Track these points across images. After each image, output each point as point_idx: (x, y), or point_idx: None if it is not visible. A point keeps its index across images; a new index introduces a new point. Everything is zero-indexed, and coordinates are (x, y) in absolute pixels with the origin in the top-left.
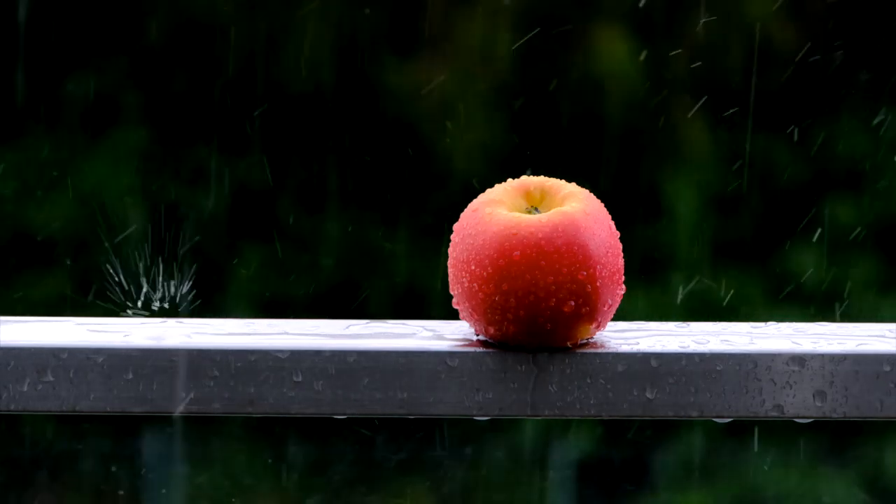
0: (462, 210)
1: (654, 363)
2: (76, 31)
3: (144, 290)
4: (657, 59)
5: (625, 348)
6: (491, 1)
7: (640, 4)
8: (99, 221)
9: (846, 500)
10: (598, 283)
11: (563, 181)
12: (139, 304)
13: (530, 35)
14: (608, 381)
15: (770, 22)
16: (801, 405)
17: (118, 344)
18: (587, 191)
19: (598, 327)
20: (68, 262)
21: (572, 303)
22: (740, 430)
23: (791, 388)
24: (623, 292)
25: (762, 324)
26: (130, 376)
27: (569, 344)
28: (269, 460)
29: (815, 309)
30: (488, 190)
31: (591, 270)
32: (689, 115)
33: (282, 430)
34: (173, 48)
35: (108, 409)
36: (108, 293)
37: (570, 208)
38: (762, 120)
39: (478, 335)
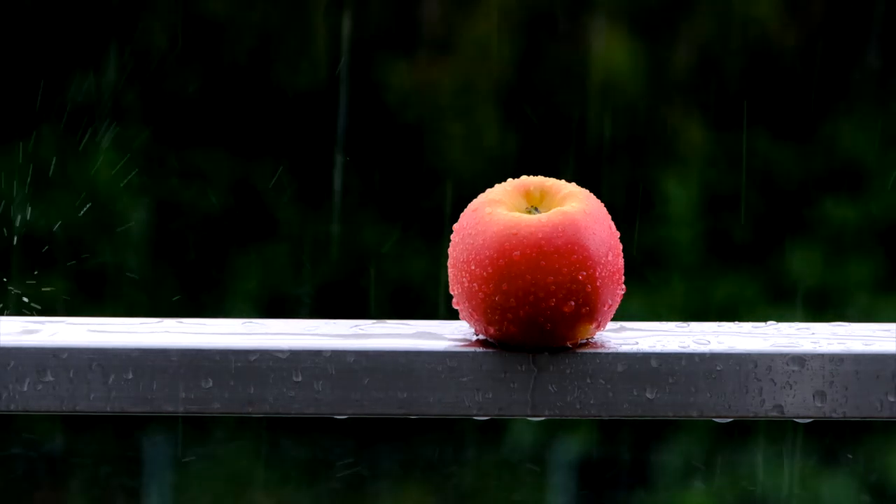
0: (462, 210)
1: (654, 363)
2: (77, 30)
3: (144, 289)
4: (657, 58)
5: (625, 348)
6: (491, 1)
7: (640, 4)
8: (99, 221)
9: (846, 500)
10: (598, 284)
11: (562, 181)
12: (138, 303)
13: (531, 35)
14: (608, 381)
15: (770, 22)
16: (801, 405)
17: (118, 344)
18: (587, 191)
19: (598, 327)
20: (68, 262)
21: (572, 303)
22: (740, 429)
23: (791, 388)
24: (623, 292)
25: (762, 324)
26: (130, 376)
27: (569, 344)
28: (268, 460)
29: (814, 309)
30: (488, 190)
31: (591, 270)
32: (689, 115)
33: (282, 430)
34: (174, 47)
35: (108, 409)
36: (108, 293)
37: (570, 208)
38: (761, 120)
39: (478, 335)
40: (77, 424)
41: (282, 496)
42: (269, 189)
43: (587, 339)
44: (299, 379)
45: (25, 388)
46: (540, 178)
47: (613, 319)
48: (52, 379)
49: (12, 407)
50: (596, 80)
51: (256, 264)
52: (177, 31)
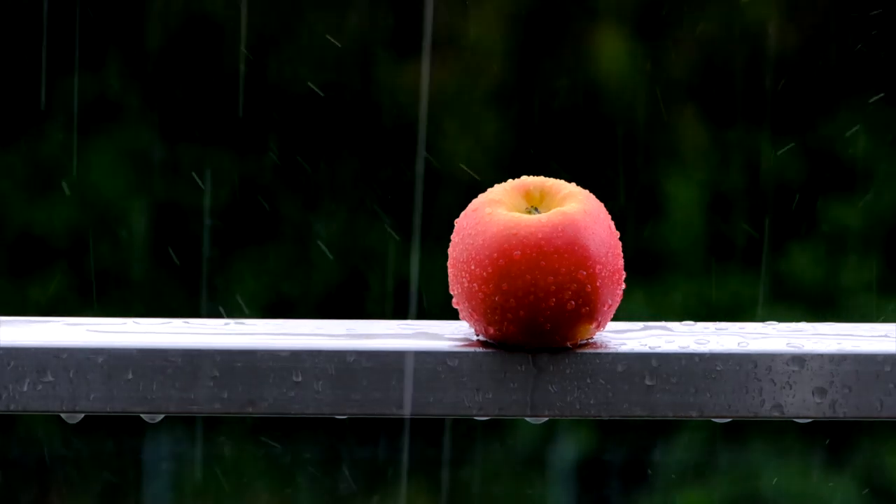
0: (462, 210)
1: (654, 363)
2: (77, 30)
3: (145, 289)
4: (657, 58)
5: (625, 348)
6: (491, 1)
7: (640, 4)
8: (99, 221)
9: (846, 500)
10: (598, 283)
11: (562, 181)
12: (139, 303)
13: (530, 35)
14: (608, 381)
15: (770, 21)
16: (801, 405)
17: (118, 344)
18: (587, 191)
19: (598, 327)
20: (68, 262)
21: (572, 303)
22: (740, 430)
23: (791, 388)
24: (623, 292)
25: (762, 324)
26: (130, 376)
27: (569, 344)
28: (268, 460)
29: (814, 309)
30: (488, 190)
31: (591, 270)
32: (689, 115)
33: (282, 430)
34: (173, 47)
35: (108, 409)
36: (108, 293)
37: (570, 208)
38: (762, 120)
39: (478, 335)
40: (77, 424)
41: (282, 496)
42: (270, 189)
43: (587, 339)
44: (299, 379)
45: (25, 388)
46: (540, 178)
47: (613, 319)
48: (52, 379)
49: (12, 407)
50: (596, 80)
51: (257, 264)
52: (177, 30)
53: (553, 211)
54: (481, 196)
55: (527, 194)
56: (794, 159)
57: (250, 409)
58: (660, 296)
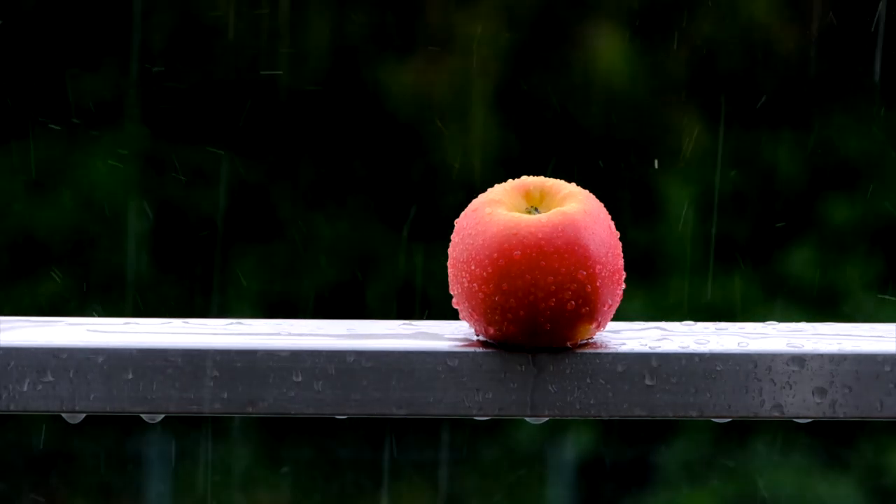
0: (462, 210)
1: (654, 363)
2: (77, 31)
3: (144, 289)
4: (656, 58)
5: (625, 348)
6: (490, 1)
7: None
8: (99, 221)
9: (846, 500)
10: (598, 283)
11: (562, 181)
12: (139, 303)
13: (530, 35)
14: (608, 381)
15: (770, 21)
16: (801, 405)
17: (118, 344)
18: (587, 191)
19: (598, 327)
20: (69, 263)
21: (572, 303)
22: (740, 430)
23: (791, 388)
24: (623, 292)
25: (762, 324)
26: (130, 376)
27: (569, 344)
28: (268, 460)
29: (814, 309)
30: (488, 190)
31: (591, 270)
32: (689, 115)
33: (282, 430)
34: (173, 48)
35: (108, 409)
36: (107, 293)
37: (570, 208)
38: (762, 120)
39: (478, 335)
40: (77, 424)
41: (282, 496)
42: (270, 189)
43: (587, 339)
44: (299, 379)
45: (25, 388)
46: (540, 179)
47: (613, 319)
48: (52, 379)
49: (12, 407)
50: (596, 80)
51: (257, 264)
52: (176, 30)
53: (553, 211)
54: (481, 196)
55: (527, 194)
56: (794, 159)
57: (250, 409)
58: (660, 296)
